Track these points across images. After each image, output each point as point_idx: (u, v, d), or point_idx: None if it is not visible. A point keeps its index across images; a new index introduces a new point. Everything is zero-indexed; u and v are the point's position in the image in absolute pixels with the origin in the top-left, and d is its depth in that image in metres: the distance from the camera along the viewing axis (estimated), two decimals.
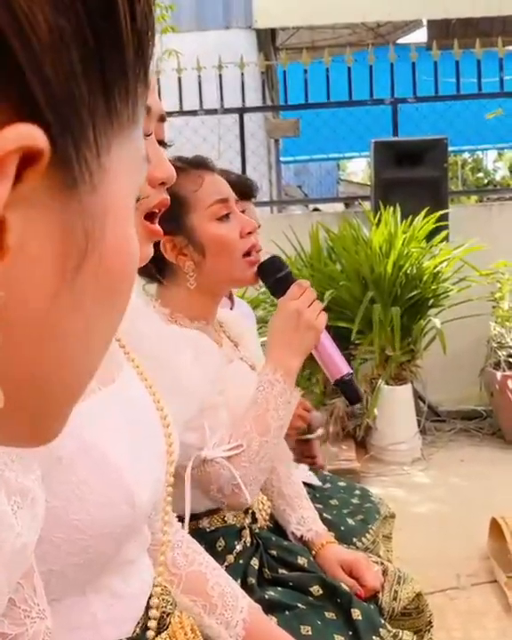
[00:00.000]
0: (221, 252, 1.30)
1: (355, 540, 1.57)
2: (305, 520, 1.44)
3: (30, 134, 0.22)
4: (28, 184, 0.22)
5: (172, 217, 1.26)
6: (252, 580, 1.25)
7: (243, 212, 1.43)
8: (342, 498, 1.76)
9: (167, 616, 0.82)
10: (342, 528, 1.58)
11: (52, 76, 0.22)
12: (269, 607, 1.17)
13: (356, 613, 1.20)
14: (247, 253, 1.33)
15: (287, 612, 1.18)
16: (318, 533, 1.43)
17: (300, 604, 1.21)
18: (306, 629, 1.15)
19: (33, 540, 0.53)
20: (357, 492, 1.83)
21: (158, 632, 0.80)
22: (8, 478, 0.50)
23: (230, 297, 2.06)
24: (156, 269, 1.33)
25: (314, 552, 1.40)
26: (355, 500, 1.76)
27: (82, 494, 0.68)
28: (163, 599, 0.83)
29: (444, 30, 8.30)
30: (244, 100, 4.90)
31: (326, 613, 1.21)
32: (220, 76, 4.87)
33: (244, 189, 1.78)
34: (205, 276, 1.31)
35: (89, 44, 0.23)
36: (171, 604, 0.84)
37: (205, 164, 1.33)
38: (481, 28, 7.61)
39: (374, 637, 1.16)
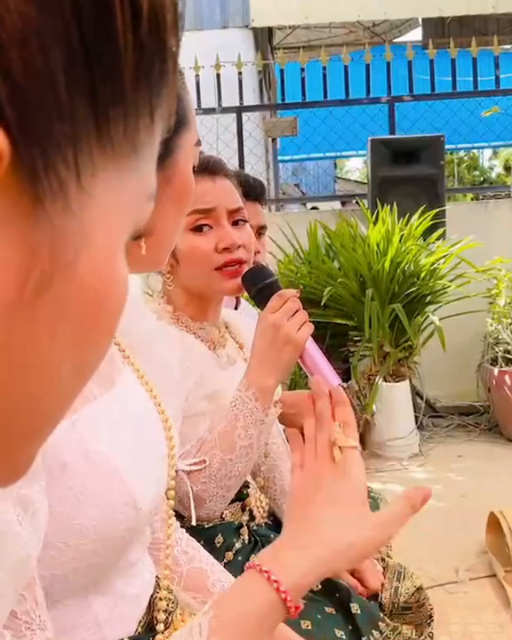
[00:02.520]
0: (191, 262, 1.28)
1: None
2: None
3: None
4: None
5: None
6: None
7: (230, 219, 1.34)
8: None
9: (170, 614, 0.83)
10: None
11: (19, 73, 0.20)
12: None
13: (355, 608, 1.20)
14: (223, 267, 1.28)
15: None
16: None
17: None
18: (306, 624, 1.14)
19: (36, 552, 0.53)
20: None
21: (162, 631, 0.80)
22: (10, 490, 0.50)
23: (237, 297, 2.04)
24: None
25: None
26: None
27: (85, 499, 0.67)
28: (167, 598, 0.83)
29: (439, 29, 8.33)
30: (241, 100, 4.91)
31: (325, 608, 1.20)
32: (218, 75, 4.88)
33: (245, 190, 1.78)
34: (181, 281, 1.30)
35: (74, 51, 0.21)
36: (174, 603, 0.85)
37: (208, 168, 1.27)
38: (476, 26, 7.64)
39: (374, 631, 1.16)
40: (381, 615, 1.23)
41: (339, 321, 3.59)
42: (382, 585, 1.33)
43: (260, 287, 1.27)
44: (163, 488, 0.82)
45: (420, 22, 8.91)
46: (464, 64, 4.83)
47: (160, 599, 0.82)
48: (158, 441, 0.82)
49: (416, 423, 3.88)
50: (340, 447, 0.75)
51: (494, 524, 2.48)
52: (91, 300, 0.26)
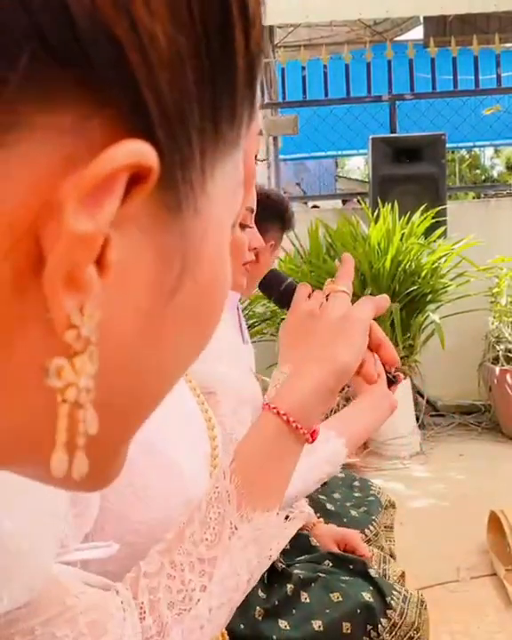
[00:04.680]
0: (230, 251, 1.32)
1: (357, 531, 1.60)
2: (298, 504, 1.52)
3: (141, 151, 0.21)
4: (133, 203, 0.22)
5: None
6: (281, 566, 1.30)
7: None
8: (344, 491, 1.78)
9: None
10: (345, 519, 1.60)
11: (167, 93, 0.22)
12: (299, 584, 1.23)
13: (373, 572, 1.27)
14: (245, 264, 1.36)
15: (313, 585, 1.23)
16: (310, 514, 1.55)
17: (320, 574, 1.27)
18: (336, 596, 1.19)
19: (76, 545, 0.54)
20: (357, 483, 1.85)
21: None
22: None
23: None
24: None
25: (307, 530, 1.51)
26: (356, 493, 1.78)
27: (145, 496, 0.67)
28: None
29: (441, 27, 8.32)
30: None
31: (345, 577, 1.27)
32: None
33: None
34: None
35: (203, 66, 0.23)
36: None
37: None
38: (478, 25, 7.62)
39: (393, 592, 1.21)
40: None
41: None
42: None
43: (282, 289, 1.37)
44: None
45: (422, 20, 8.89)
46: (465, 62, 4.83)
47: None
48: (202, 440, 0.82)
49: (417, 422, 3.88)
50: (327, 295, 0.82)
51: (495, 522, 2.49)
52: (209, 294, 0.27)
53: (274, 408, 0.69)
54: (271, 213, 1.95)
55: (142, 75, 0.21)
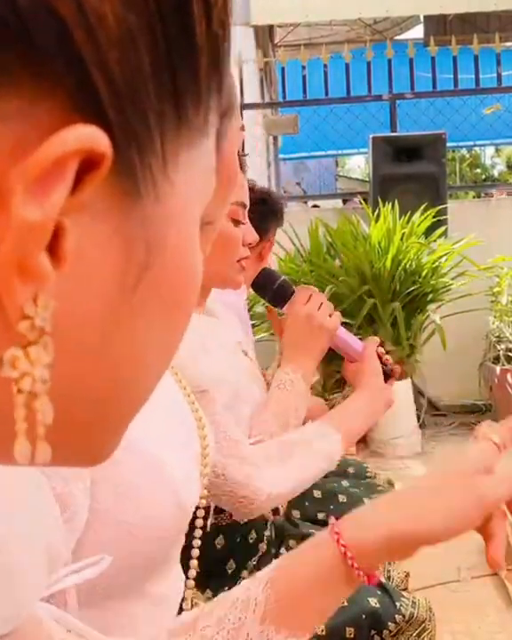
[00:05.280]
0: (223, 248, 1.27)
1: None
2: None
3: (92, 136, 0.20)
4: (87, 190, 0.21)
5: None
6: None
7: None
8: (351, 481, 1.80)
9: None
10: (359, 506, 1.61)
11: (118, 74, 0.21)
12: None
13: (382, 578, 1.27)
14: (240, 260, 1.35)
15: None
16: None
17: None
18: (342, 602, 1.18)
19: (68, 553, 0.54)
20: (351, 469, 1.87)
21: None
22: (52, 488, 0.50)
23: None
24: None
25: None
26: (362, 479, 1.81)
27: (133, 496, 0.67)
28: (194, 602, 0.83)
29: (441, 26, 8.33)
30: (242, 97, 4.91)
31: None
32: None
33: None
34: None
35: (159, 46, 0.22)
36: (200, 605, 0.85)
37: (244, 163, 1.32)
38: (478, 23, 7.63)
39: (402, 599, 1.20)
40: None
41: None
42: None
43: (275, 287, 1.38)
44: (199, 488, 0.82)
45: (422, 19, 8.90)
46: (465, 61, 4.82)
47: (188, 600, 0.82)
48: (192, 440, 0.82)
49: (418, 422, 3.88)
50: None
51: None
52: (177, 284, 0.27)
53: (336, 532, 0.61)
54: (272, 212, 1.96)
55: (89, 53, 0.20)
